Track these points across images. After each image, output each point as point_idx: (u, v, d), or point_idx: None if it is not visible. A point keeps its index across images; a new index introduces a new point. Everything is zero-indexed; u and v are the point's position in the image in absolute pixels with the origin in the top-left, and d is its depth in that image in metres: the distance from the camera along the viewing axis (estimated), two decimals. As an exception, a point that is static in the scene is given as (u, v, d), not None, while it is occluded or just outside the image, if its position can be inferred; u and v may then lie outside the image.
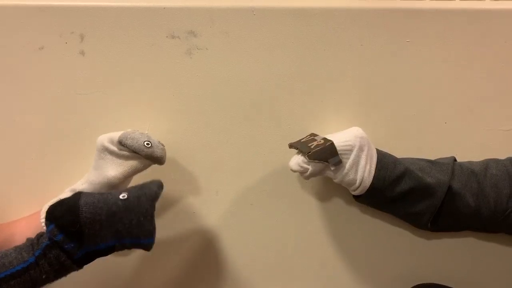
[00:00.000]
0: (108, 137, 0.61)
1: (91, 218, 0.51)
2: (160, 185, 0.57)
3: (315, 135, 0.65)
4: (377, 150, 0.64)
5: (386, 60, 0.69)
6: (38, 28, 0.69)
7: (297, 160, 0.62)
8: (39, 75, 0.70)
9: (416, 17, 0.68)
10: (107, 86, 0.71)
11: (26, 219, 0.65)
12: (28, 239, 0.54)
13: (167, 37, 0.69)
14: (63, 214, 0.51)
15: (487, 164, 0.65)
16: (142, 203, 0.53)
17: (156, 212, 0.56)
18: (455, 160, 0.66)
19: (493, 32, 0.68)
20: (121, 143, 0.60)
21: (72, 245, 0.51)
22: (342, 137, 0.61)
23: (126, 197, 0.53)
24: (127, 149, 0.60)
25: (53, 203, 0.54)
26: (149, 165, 0.63)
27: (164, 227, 0.74)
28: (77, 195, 0.53)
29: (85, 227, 0.51)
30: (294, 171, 0.63)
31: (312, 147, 0.60)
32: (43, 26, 0.68)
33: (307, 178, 0.62)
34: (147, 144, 0.60)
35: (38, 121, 0.71)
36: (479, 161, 0.67)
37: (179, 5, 0.68)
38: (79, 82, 0.70)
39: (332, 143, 0.60)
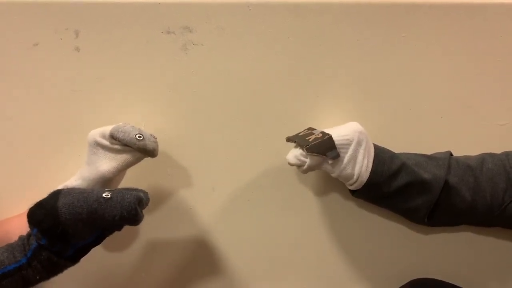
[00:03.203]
0: (99, 132, 0.61)
1: (71, 219, 0.50)
2: (145, 193, 0.55)
3: (313, 129, 0.65)
4: (374, 144, 0.64)
5: (382, 55, 0.69)
6: (32, 24, 0.68)
7: (294, 153, 0.62)
8: (33, 72, 0.70)
9: (411, 11, 0.68)
10: (102, 82, 0.70)
11: (20, 217, 0.65)
12: (20, 238, 0.53)
13: (162, 32, 0.69)
14: (43, 218, 0.50)
15: (483, 158, 0.65)
16: (125, 200, 0.52)
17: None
18: (451, 154, 0.67)
19: (489, 26, 0.68)
20: (112, 137, 0.59)
21: (60, 246, 0.51)
22: (341, 131, 0.61)
23: (109, 196, 0.52)
24: (119, 142, 0.59)
25: (32, 205, 0.53)
26: (142, 158, 0.62)
27: (161, 223, 0.74)
28: (56, 196, 0.52)
29: (68, 227, 0.50)
30: (292, 165, 0.63)
31: (310, 140, 0.60)
32: (38, 22, 0.68)
33: (305, 172, 0.62)
34: (139, 137, 0.59)
35: (32, 118, 0.71)
36: (475, 156, 0.67)
37: (175, 1, 0.68)
38: (74, 79, 0.70)
39: (330, 137, 0.59)
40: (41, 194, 0.64)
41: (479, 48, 0.69)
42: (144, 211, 0.55)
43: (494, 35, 0.68)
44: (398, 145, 0.68)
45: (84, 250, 0.54)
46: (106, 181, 0.61)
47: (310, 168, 0.61)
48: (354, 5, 0.68)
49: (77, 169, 0.64)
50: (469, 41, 0.69)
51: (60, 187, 0.62)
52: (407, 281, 0.72)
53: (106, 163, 0.60)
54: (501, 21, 0.68)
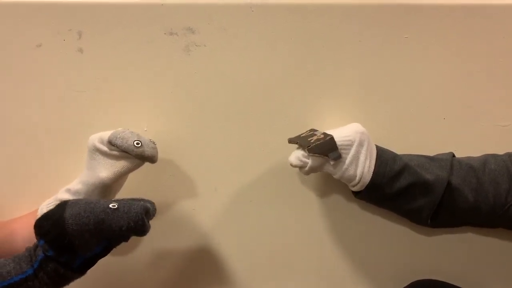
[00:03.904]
0: (98, 137, 0.60)
1: (78, 230, 0.50)
2: (152, 203, 0.55)
3: (315, 130, 0.65)
4: (376, 146, 0.64)
5: (385, 56, 0.69)
6: (35, 25, 0.68)
7: (296, 155, 0.62)
8: (37, 73, 0.70)
9: (414, 12, 0.68)
10: (105, 83, 0.71)
11: (25, 218, 0.65)
12: (27, 249, 0.53)
13: (165, 33, 0.69)
14: (50, 229, 0.50)
15: (486, 159, 0.65)
16: (132, 210, 0.52)
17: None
18: (453, 155, 0.67)
19: (491, 27, 0.68)
20: (111, 143, 0.59)
21: (67, 257, 0.51)
22: (342, 132, 0.61)
23: (116, 207, 0.52)
24: (117, 149, 0.59)
25: (40, 216, 0.53)
26: (141, 164, 0.62)
27: (163, 224, 0.74)
28: (62, 207, 0.52)
29: (75, 238, 0.50)
30: (294, 166, 0.63)
31: (312, 141, 0.60)
32: (41, 23, 0.68)
33: (307, 173, 0.62)
34: (137, 143, 0.58)
35: (35, 119, 0.71)
36: (478, 157, 0.67)
37: (177, 2, 0.68)
38: (77, 80, 0.70)
39: (332, 138, 0.60)
40: (45, 194, 0.65)
41: (481, 49, 0.69)
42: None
43: (496, 36, 0.68)
44: (401, 146, 0.68)
45: (91, 262, 0.53)
46: (106, 186, 0.61)
47: (312, 169, 0.61)
48: (357, 6, 0.68)
49: (80, 170, 0.64)
50: (471, 42, 0.69)
51: (62, 190, 0.63)
52: (410, 282, 0.72)
53: (105, 169, 0.60)
54: (503, 22, 0.68)
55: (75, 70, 0.70)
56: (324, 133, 0.61)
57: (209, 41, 0.69)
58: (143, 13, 0.68)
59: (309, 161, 0.60)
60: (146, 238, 0.74)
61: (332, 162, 0.60)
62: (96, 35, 0.69)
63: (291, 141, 0.65)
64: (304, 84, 0.71)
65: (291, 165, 0.63)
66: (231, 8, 0.68)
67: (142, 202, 0.53)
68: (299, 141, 0.63)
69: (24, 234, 0.61)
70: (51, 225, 0.50)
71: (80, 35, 0.69)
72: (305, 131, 0.66)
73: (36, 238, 0.51)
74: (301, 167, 0.62)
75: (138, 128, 0.69)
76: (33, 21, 0.68)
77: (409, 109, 0.71)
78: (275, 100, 0.71)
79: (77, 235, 0.50)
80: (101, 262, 0.55)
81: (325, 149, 0.59)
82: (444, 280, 0.72)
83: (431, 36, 0.69)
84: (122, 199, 0.54)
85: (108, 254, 0.75)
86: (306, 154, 0.60)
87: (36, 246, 0.52)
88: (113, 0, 0.68)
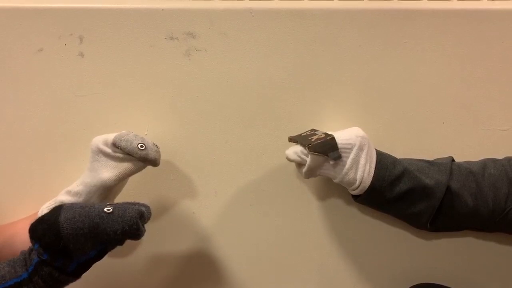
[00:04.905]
0: (102, 139, 0.61)
1: (73, 234, 0.50)
2: (147, 207, 0.55)
3: (316, 130, 0.65)
4: (376, 150, 0.64)
5: (384, 60, 0.70)
6: (37, 30, 0.69)
7: (294, 149, 0.62)
8: (38, 77, 0.70)
9: (413, 17, 0.68)
10: (106, 88, 0.71)
11: (25, 221, 0.65)
12: (21, 252, 0.53)
13: (165, 38, 0.69)
14: (45, 233, 0.50)
15: (485, 164, 0.65)
16: (127, 214, 0.52)
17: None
18: (453, 160, 0.67)
19: (491, 32, 0.68)
20: (115, 145, 0.59)
21: (61, 261, 0.51)
22: (343, 135, 0.61)
23: (111, 210, 0.52)
24: (121, 151, 0.59)
25: (34, 220, 0.53)
26: (144, 167, 0.62)
27: (163, 228, 0.74)
28: (57, 211, 0.52)
29: (69, 242, 0.50)
30: (290, 160, 0.62)
31: (312, 140, 0.60)
32: (42, 28, 0.69)
33: (306, 175, 0.62)
34: (141, 146, 0.59)
35: (37, 123, 0.72)
36: (477, 161, 0.67)
37: (178, 7, 0.68)
38: (78, 84, 0.71)
39: (333, 137, 0.59)
40: (46, 197, 0.65)
41: (481, 54, 0.69)
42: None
43: (496, 40, 0.69)
44: (400, 151, 0.68)
45: (86, 265, 0.53)
46: (108, 188, 0.61)
47: (311, 170, 0.61)
48: (356, 11, 0.68)
49: (80, 173, 0.64)
50: (470, 47, 0.69)
51: (62, 192, 0.63)
52: (409, 286, 0.72)
53: (108, 171, 0.60)
54: (503, 27, 0.68)
55: (76, 75, 0.70)
56: (325, 133, 0.61)
57: (210, 46, 0.70)
58: (144, 18, 0.68)
59: (308, 160, 0.60)
60: (146, 242, 0.75)
61: (331, 162, 0.60)
62: (97, 39, 0.69)
63: (291, 139, 0.65)
64: (304, 89, 0.71)
65: (287, 158, 0.62)
66: (231, 13, 0.68)
67: (136, 206, 0.54)
68: (300, 140, 0.63)
69: (24, 238, 0.61)
70: (45, 229, 0.50)
71: (81, 39, 0.69)
72: (306, 131, 0.66)
73: (31, 242, 0.51)
74: (298, 165, 0.62)
75: (138, 132, 0.69)
76: (34, 25, 0.69)
77: (408, 113, 0.71)
78: (275, 105, 0.71)
79: (72, 239, 0.50)
80: (102, 266, 0.56)
81: (325, 148, 0.59)
82: (443, 284, 0.72)
83: (430, 41, 0.69)
84: (117, 203, 0.54)
85: (109, 258, 0.75)
86: (305, 151, 0.60)
87: (31, 250, 0.52)
88: (114, 5, 0.68)
